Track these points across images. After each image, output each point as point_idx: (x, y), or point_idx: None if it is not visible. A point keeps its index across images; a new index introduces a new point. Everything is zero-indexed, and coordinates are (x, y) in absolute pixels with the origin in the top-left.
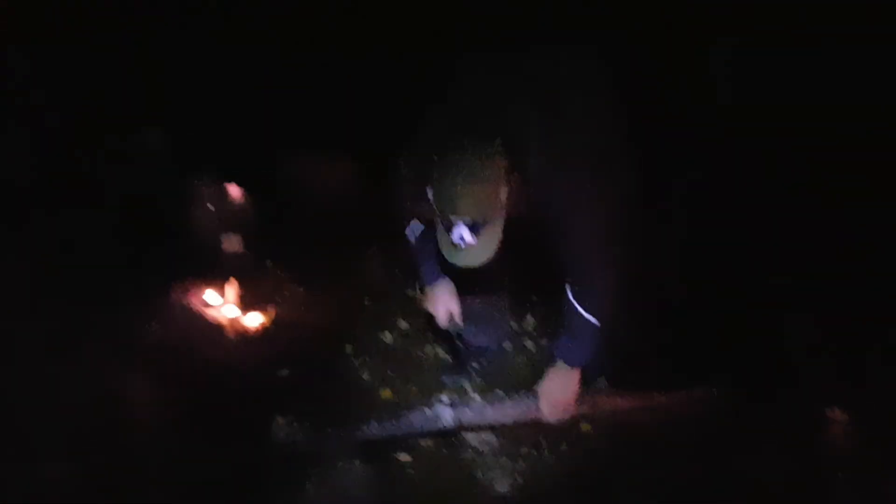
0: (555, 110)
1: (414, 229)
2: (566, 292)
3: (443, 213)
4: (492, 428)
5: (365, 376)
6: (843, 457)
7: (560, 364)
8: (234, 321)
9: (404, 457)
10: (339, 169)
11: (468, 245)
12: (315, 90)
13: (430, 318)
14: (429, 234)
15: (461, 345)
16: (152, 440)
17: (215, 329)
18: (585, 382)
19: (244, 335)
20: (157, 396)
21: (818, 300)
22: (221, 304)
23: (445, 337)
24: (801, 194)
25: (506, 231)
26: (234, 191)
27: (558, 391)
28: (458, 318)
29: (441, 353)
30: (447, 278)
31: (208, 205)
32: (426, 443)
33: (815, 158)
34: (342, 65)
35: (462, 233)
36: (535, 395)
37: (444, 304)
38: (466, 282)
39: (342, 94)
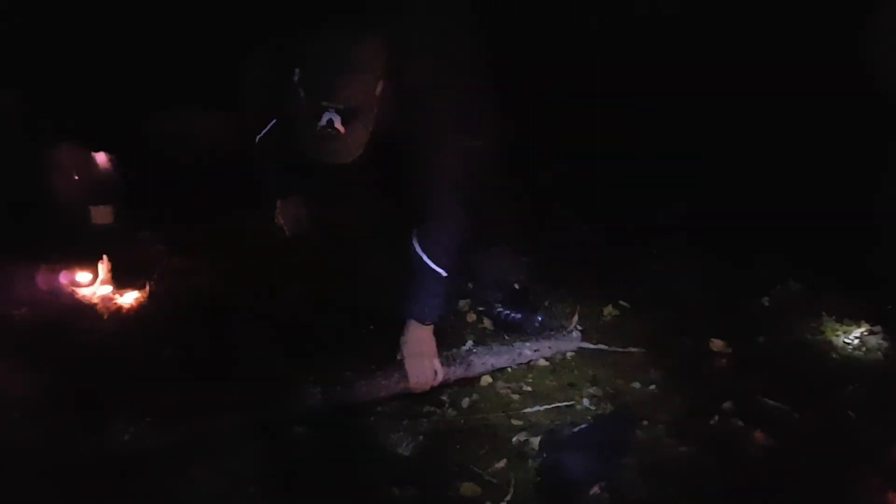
0: (443, 24)
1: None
2: (413, 244)
3: (312, 97)
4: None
5: (250, 353)
6: (726, 387)
7: (413, 323)
8: (107, 300)
9: (300, 429)
10: (211, 128)
11: (336, 132)
12: (185, 41)
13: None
14: (276, 139)
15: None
16: (17, 431)
17: (88, 310)
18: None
19: (120, 315)
20: (24, 386)
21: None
22: (93, 283)
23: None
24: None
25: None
26: (101, 158)
27: (418, 352)
28: (306, 226)
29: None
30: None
31: (73, 174)
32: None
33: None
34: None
35: (332, 117)
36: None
37: (292, 213)
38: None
39: (213, 45)
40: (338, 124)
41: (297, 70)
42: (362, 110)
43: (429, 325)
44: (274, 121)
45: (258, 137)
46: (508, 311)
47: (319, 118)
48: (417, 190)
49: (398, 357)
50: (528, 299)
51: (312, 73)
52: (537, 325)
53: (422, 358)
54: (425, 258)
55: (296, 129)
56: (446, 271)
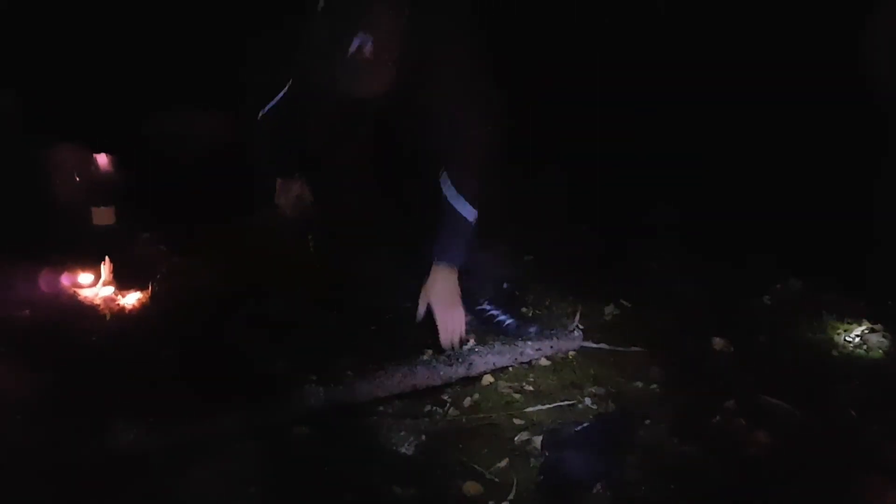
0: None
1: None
2: (440, 188)
3: (339, 24)
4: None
5: (250, 353)
6: (728, 386)
7: (440, 269)
8: (109, 301)
9: (300, 429)
10: (211, 127)
11: (366, 59)
12: (185, 41)
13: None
14: (281, 116)
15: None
16: (18, 431)
17: (90, 311)
18: None
19: (122, 316)
20: (25, 386)
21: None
22: (95, 284)
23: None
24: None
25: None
26: (102, 159)
27: (446, 294)
28: (308, 205)
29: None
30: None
31: (74, 176)
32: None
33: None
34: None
35: (362, 42)
36: (406, 365)
37: (295, 192)
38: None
39: (213, 45)
40: (367, 49)
41: (320, 1)
42: (389, 39)
43: (456, 269)
44: (278, 97)
45: (261, 114)
46: (503, 317)
47: (347, 46)
48: (443, 136)
49: (421, 301)
50: (524, 307)
51: (340, 5)
52: (531, 333)
53: (453, 308)
54: (454, 202)
55: (320, 65)
56: (474, 216)
